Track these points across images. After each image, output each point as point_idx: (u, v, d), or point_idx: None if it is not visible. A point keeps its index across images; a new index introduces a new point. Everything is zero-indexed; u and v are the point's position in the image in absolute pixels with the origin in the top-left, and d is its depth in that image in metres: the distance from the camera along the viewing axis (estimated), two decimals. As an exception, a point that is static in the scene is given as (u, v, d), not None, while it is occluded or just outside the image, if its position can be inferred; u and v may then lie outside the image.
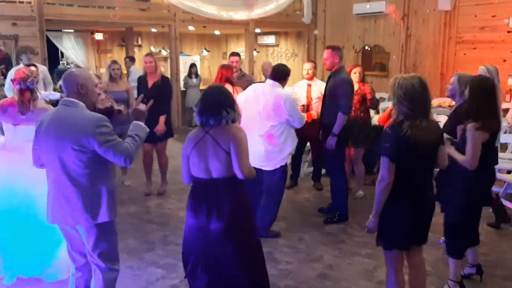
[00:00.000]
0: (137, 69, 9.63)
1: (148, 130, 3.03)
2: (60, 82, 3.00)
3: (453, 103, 7.76)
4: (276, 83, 4.56)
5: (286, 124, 4.49)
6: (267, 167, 4.52)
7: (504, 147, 6.92)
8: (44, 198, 3.00)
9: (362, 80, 6.02)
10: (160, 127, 5.78)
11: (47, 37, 9.24)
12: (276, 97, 4.44)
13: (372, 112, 7.30)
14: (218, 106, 2.88)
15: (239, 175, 2.88)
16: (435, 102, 7.56)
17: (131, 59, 9.49)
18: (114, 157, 2.76)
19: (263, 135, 4.45)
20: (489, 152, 3.44)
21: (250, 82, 6.19)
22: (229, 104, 2.92)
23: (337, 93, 4.92)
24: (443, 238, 4.44)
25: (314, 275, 4.04)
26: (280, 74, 4.61)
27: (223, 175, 2.87)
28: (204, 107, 2.92)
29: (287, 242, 4.70)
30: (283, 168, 4.61)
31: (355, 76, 5.85)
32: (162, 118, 5.80)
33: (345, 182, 5.27)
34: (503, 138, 6.47)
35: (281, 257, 4.35)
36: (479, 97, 3.30)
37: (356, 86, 5.80)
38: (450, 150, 3.35)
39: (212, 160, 2.86)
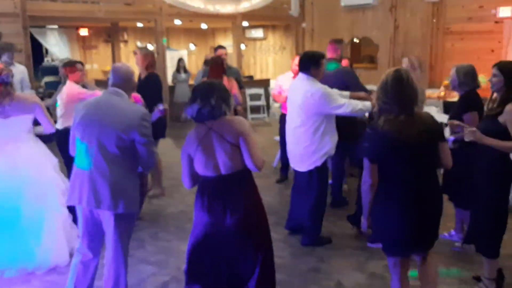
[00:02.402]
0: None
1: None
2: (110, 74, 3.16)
3: (442, 94, 7.94)
4: (305, 75, 4.13)
5: (321, 120, 4.10)
6: (301, 168, 4.27)
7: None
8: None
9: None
10: None
11: (30, 33, 9.09)
12: (303, 91, 4.09)
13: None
14: (208, 95, 2.78)
15: (252, 168, 2.82)
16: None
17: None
18: (147, 152, 3.00)
19: (295, 133, 4.20)
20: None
21: (237, 75, 6.16)
22: (219, 92, 2.82)
23: None
24: (446, 233, 4.44)
25: (306, 268, 4.03)
26: (303, 64, 4.17)
27: (232, 170, 2.79)
28: (193, 98, 2.82)
29: (279, 236, 4.66)
30: (319, 169, 4.24)
31: None
32: None
33: None
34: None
35: (273, 251, 4.31)
36: None
37: None
38: (488, 140, 3.12)
39: (220, 156, 2.77)
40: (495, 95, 3.37)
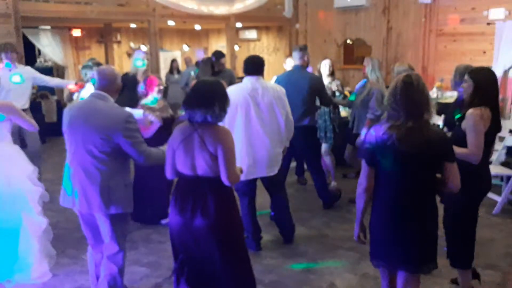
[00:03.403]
0: None
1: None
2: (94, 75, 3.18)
3: (435, 95, 8.00)
4: (256, 77, 4.15)
5: None
6: (274, 170, 4.26)
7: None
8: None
9: (332, 74, 6.09)
10: None
11: (23, 34, 9.05)
12: (271, 89, 4.14)
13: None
14: (209, 99, 2.75)
15: (225, 182, 2.80)
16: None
17: None
18: (135, 153, 3.02)
19: (269, 135, 4.16)
20: (490, 147, 3.25)
21: (231, 77, 6.21)
22: (221, 99, 2.79)
23: None
24: None
25: (299, 269, 4.04)
26: (257, 68, 4.19)
27: (208, 174, 2.79)
28: (191, 99, 2.79)
29: (271, 237, 4.69)
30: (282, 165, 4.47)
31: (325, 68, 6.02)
32: None
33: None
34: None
35: (265, 253, 4.35)
36: (483, 85, 3.13)
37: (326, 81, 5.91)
38: None
39: (198, 159, 2.78)
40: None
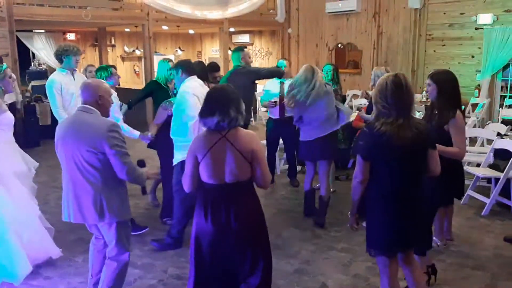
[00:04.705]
0: None
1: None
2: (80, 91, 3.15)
3: (424, 99, 8.09)
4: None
5: None
6: None
7: (474, 140, 7.10)
8: None
9: (332, 79, 6.11)
10: None
11: (17, 37, 9.07)
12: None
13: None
14: (226, 107, 2.75)
15: (261, 184, 2.85)
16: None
17: None
18: (119, 163, 2.99)
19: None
20: None
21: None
22: (234, 102, 2.79)
23: None
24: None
25: (291, 270, 4.09)
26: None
27: (237, 179, 2.78)
28: (205, 108, 2.79)
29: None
30: None
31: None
32: None
33: None
34: (472, 132, 6.67)
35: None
36: (445, 86, 3.39)
37: None
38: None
39: (229, 164, 2.76)
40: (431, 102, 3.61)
